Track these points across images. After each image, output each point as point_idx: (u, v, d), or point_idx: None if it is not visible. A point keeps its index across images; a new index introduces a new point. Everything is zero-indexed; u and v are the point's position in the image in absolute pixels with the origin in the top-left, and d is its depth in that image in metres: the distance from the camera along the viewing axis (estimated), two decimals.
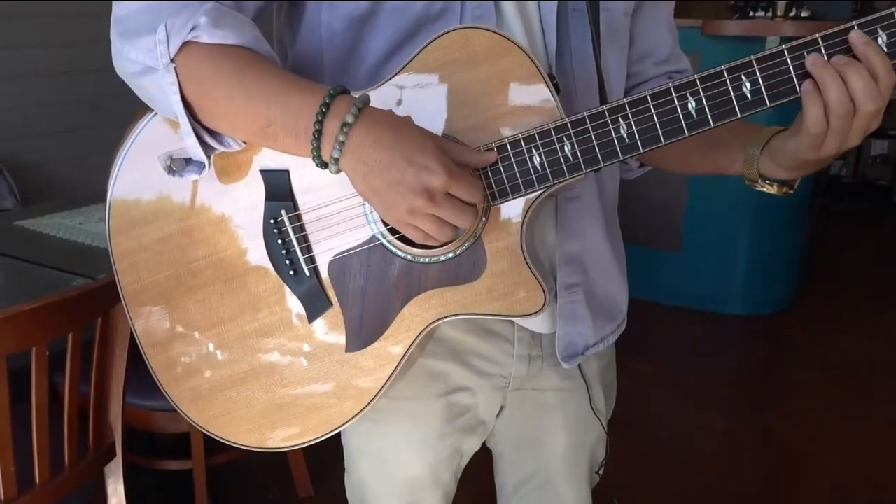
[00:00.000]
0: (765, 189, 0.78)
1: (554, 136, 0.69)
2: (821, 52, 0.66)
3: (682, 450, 2.24)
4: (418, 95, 0.71)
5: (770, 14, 3.03)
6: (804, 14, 2.94)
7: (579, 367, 0.89)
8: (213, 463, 1.72)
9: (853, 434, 2.35)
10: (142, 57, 0.69)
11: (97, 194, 2.09)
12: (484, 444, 0.95)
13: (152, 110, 0.76)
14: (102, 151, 2.96)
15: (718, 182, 3.10)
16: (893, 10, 0.66)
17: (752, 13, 3.91)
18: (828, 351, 2.94)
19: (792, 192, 0.78)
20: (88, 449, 1.33)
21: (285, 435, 0.79)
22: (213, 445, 1.68)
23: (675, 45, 0.94)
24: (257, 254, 0.77)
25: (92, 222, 1.86)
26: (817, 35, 0.67)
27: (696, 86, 0.68)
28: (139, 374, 1.39)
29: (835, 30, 0.67)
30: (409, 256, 0.74)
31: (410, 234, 0.68)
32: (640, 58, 0.91)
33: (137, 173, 0.78)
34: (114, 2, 0.72)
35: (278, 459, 1.93)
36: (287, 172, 0.75)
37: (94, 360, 1.29)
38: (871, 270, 3.87)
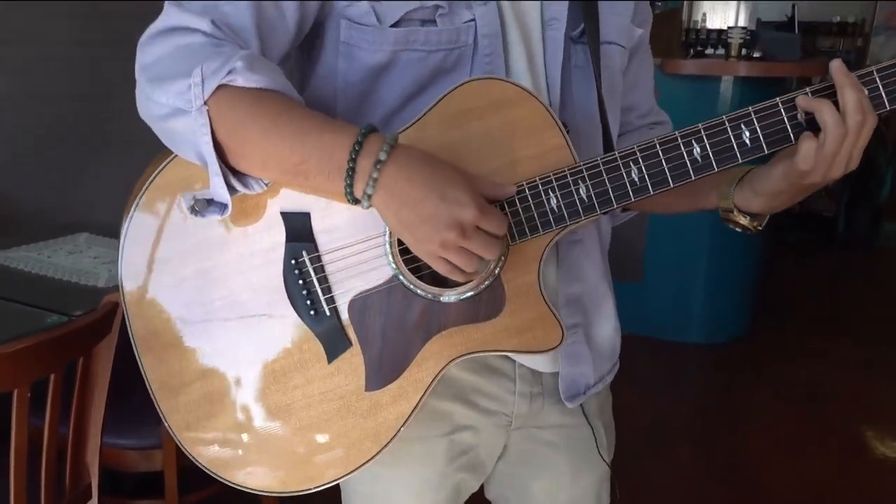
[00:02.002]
0: (738, 220, 0.83)
1: (570, 179, 0.73)
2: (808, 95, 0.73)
3: (644, 478, 2.28)
4: (439, 141, 0.73)
5: (724, 53, 3.16)
6: (756, 55, 3.08)
7: (582, 407, 0.91)
8: (187, 501, 1.68)
9: (808, 458, 2.43)
10: (172, 100, 0.70)
11: (64, 226, 2.05)
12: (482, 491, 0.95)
13: (165, 157, 0.76)
14: (67, 182, 2.90)
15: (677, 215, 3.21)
16: (873, 68, 0.74)
17: (703, 50, 4.08)
18: (782, 378, 3.05)
19: (761, 228, 0.84)
20: (65, 491, 1.30)
21: (303, 477, 0.78)
22: (186, 483, 1.65)
23: (654, 97, 1.01)
24: (276, 294, 0.77)
25: (61, 256, 1.82)
26: (806, 89, 0.74)
27: (701, 133, 0.73)
28: (112, 412, 1.37)
29: (821, 85, 0.73)
30: (429, 295, 0.75)
31: (439, 267, 0.70)
32: (627, 110, 0.97)
33: (152, 217, 0.77)
34: (139, 50, 0.74)
35: (252, 497, 1.89)
36: (308, 215, 0.76)
37: (75, 401, 1.26)
38: (819, 299, 4.03)
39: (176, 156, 0.75)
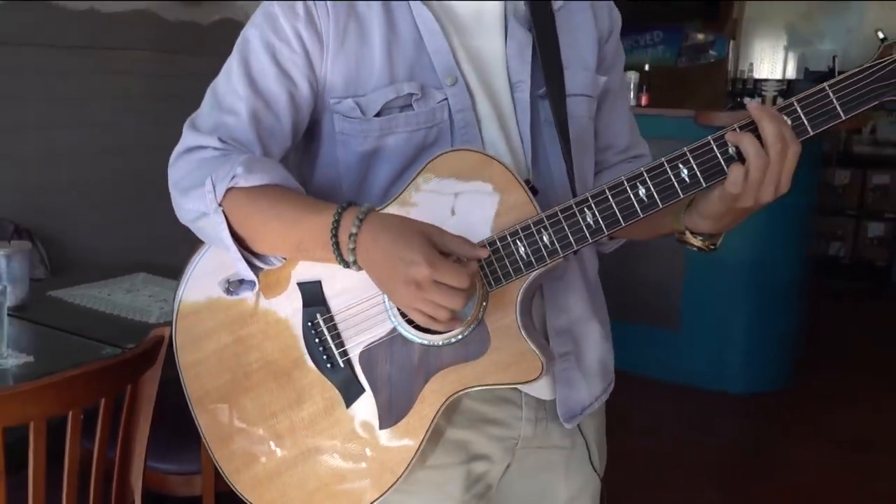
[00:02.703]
0: (692, 242, 0.91)
1: (533, 229, 0.83)
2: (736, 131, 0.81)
3: None
4: (422, 207, 0.85)
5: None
6: None
7: (579, 427, 1.00)
8: None
9: None
10: (196, 205, 0.87)
11: (123, 266, 2.23)
12: None
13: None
14: (130, 227, 3.11)
15: (715, 262, 3.22)
16: (793, 99, 0.81)
17: (740, 100, 4.14)
18: (826, 428, 3.00)
19: (714, 248, 0.91)
20: None
21: None
22: None
23: (634, 133, 1.10)
24: (299, 353, 0.91)
25: (119, 294, 1.98)
26: (734, 125, 0.82)
27: (644, 176, 0.82)
28: (156, 438, 1.50)
29: (748, 120, 0.81)
30: (425, 342, 0.86)
31: (415, 318, 0.80)
32: (604, 149, 1.07)
33: (197, 297, 0.94)
34: (170, 169, 0.92)
35: None
36: (319, 282, 0.90)
37: (122, 425, 1.39)
38: (869, 348, 3.94)
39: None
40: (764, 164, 0.79)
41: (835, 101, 0.79)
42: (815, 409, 3.18)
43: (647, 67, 3.40)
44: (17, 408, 1.18)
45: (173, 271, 0.97)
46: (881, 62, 0.80)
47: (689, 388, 3.25)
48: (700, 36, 5.49)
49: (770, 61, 5.73)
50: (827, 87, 0.80)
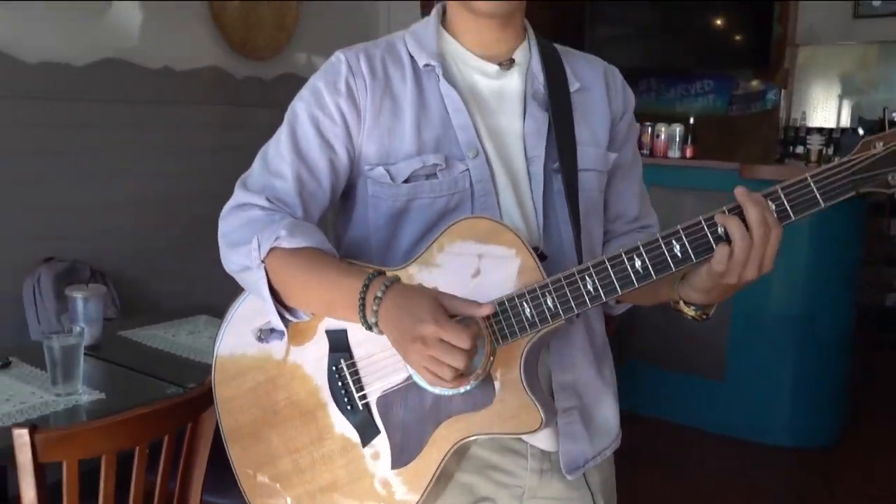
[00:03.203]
0: (685, 311, 0.98)
1: (538, 293, 0.92)
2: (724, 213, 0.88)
3: None
4: (440, 268, 0.95)
5: (805, 159, 3.24)
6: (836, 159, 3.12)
7: (585, 477, 1.06)
8: None
9: None
10: (241, 259, 0.98)
11: (186, 309, 2.38)
12: None
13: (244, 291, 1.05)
14: (192, 271, 3.31)
15: (762, 314, 3.22)
16: (777, 186, 0.88)
17: (793, 149, 4.14)
18: (879, 484, 2.93)
19: (707, 318, 0.98)
20: None
21: None
22: None
23: (644, 205, 1.18)
24: (323, 394, 1.01)
25: (182, 335, 2.13)
26: (723, 207, 0.89)
27: (641, 250, 0.90)
28: (213, 473, 1.61)
29: (733, 205, 0.88)
30: (436, 390, 0.95)
31: (424, 376, 0.89)
32: (614, 219, 1.15)
33: (234, 339, 1.05)
34: (220, 221, 1.03)
35: None
36: (345, 331, 1.00)
37: (182, 459, 1.52)
38: None
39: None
40: (748, 245, 0.86)
41: (816, 190, 0.87)
42: (865, 464, 3.12)
43: (692, 120, 3.44)
44: (91, 442, 1.32)
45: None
46: (859, 157, 0.88)
47: (732, 439, 3.23)
48: (751, 84, 5.51)
49: (823, 109, 5.69)
50: (809, 178, 0.88)
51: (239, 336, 1.05)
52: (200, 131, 3.40)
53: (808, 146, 3.14)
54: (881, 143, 0.87)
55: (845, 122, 5.60)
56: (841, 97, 5.67)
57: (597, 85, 1.11)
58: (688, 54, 5.38)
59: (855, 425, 3.39)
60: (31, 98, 2.79)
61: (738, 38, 5.34)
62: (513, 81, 1.06)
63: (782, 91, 5.48)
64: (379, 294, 0.90)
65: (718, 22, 5.34)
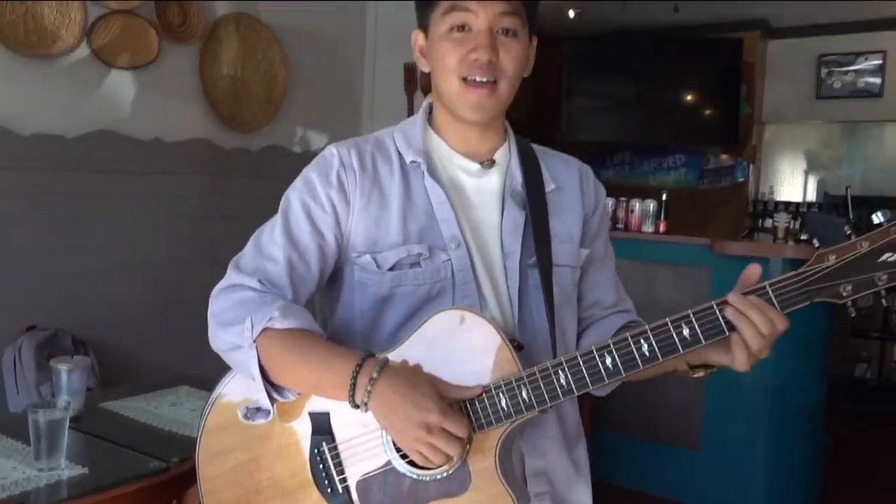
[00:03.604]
0: (695, 375, 1.04)
1: (514, 385, 0.98)
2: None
3: None
4: (420, 355, 1.01)
5: (773, 234, 3.37)
6: (804, 237, 3.26)
7: None
8: None
9: None
10: (232, 338, 1.03)
11: (167, 380, 2.39)
12: None
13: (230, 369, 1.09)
14: (175, 340, 3.31)
15: (735, 385, 3.29)
16: (765, 283, 0.96)
17: (762, 223, 4.30)
18: None
19: (714, 371, 1.03)
20: None
21: None
22: None
23: (619, 292, 1.25)
24: (304, 476, 1.05)
25: (164, 407, 2.14)
26: (712, 303, 0.96)
27: (611, 348, 0.97)
28: None
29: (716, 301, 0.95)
30: (414, 476, 1.00)
31: (415, 457, 0.95)
32: (591, 306, 1.22)
33: (219, 417, 1.09)
34: (211, 300, 1.08)
35: None
36: (328, 414, 1.05)
37: None
38: None
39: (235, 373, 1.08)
40: (762, 347, 0.95)
41: (773, 298, 0.95)
42: None
43: (664, 196, 3.58)
44: None
45: (212, 385, 1.12)
46: (813, 269, 0.95)
47: None
48: (721, 159, 5.72)
49: (790, 184, 5.92)
50: (767, 286, 0.95)
51: (223, 415, 1.09)
52: (187, 200, 3.47)
53: (775, 223, 3.27)
54: (833, 256, 0.94)
55: (812, 196, 5.81)
56: (807, 172, 5.90)
57: (571, 184, 1.20)
58: (661, 129, 5.59)
59: (828, 496, 3.42)
60: (23, 169, 2.86)
61: (708, 114, 5.57)
62: (493, 180, 1.15)
63: (750, 166, 5.69)
64: (374, 375, 0.95)
65: (689, 98, 5.57)
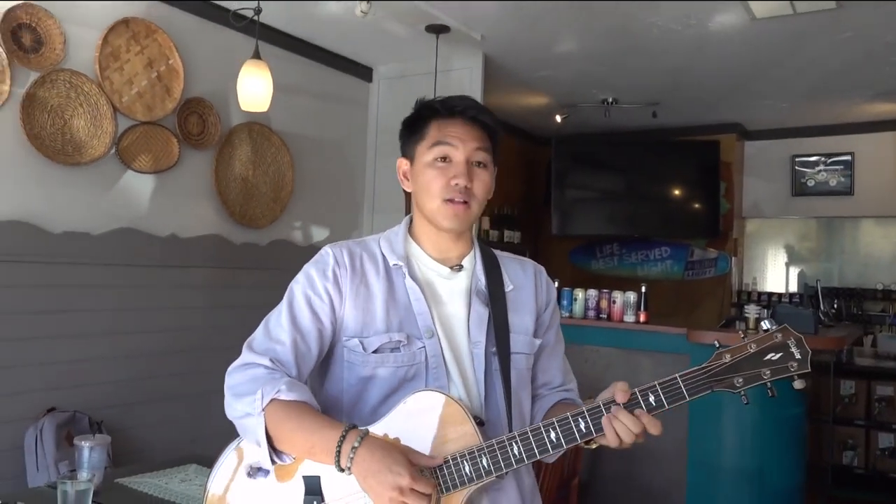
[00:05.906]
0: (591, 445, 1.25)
1: (476, 454, 1.19)
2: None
3: None
4: (400, 428, 1.22)
5: (745, 324, 3.59)
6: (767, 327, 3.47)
7: None
8: None
9: None
10: (245, 408, 1.24)
11: (176, 459, 2.57)
12: None
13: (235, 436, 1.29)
14: (186, 421, 3.50)
15: (716, 467, 3.44)
16: (655, 383, 1.19)
17: (745, 312, 4.51)
18: None
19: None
20: None
21: None
22: None
23: (566, 374, 1.48)
24: None
25: (175, 483, 2.32)
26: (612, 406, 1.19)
27: (555, 424, 1.19)
28: None
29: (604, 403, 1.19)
30: None
31: None
32: (541, 385, 1.44)
33: (224, 478, 1.28)
34: (227, 375, 1.29)
35: None
36: (319, 477, 1.24)
37: None
38: None
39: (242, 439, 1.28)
40: (632, 440, 1.18)
41: (682, 387, 1.18)
42: None
43: (643, 288, 3.83)
44: None
45: None
46: (712, 365, 1.19)
47: None
48: (705, 252, 5.99)
49: (772, 275, 6.17)
50: (678, 377, 1.18)
51: (227, 474, 1.27)
52: (199, 291, 3.72)
53: (745, 314, 3.50)
54: (729, 356, 1.18)
55: (794, 287, 6.04)
56: (787, 264, 6.16)
57: (527, 284, 1.44)
58: (647, 222, 5.86)
59: None
60: (51, 263, 3.12)
61: (690, 209, 5.86)
62: (461, 281, 1.40)
63: (733, 258, 5.95)
64: (356, 444, 1.15)
65: (673, 193, 5.87)
